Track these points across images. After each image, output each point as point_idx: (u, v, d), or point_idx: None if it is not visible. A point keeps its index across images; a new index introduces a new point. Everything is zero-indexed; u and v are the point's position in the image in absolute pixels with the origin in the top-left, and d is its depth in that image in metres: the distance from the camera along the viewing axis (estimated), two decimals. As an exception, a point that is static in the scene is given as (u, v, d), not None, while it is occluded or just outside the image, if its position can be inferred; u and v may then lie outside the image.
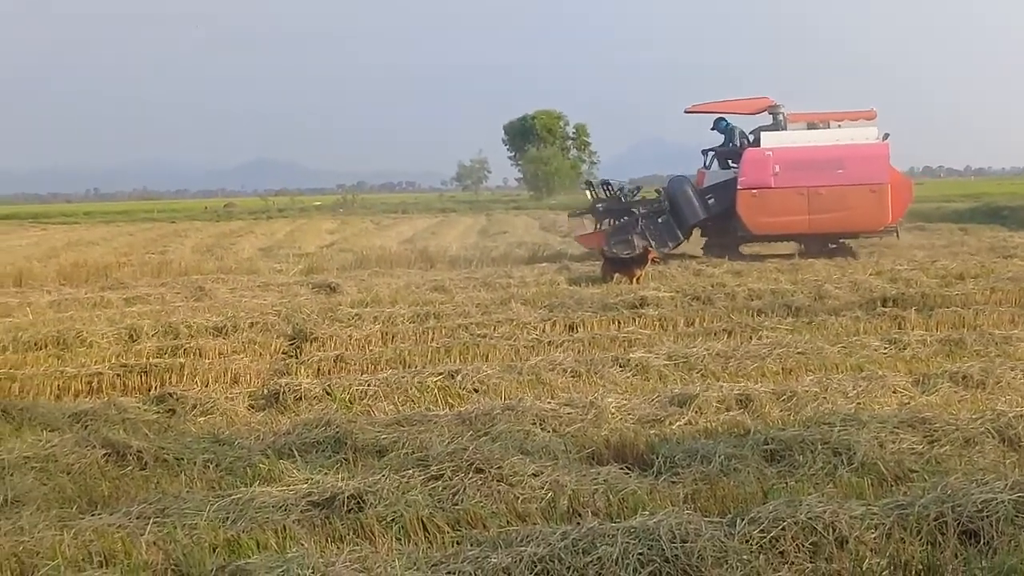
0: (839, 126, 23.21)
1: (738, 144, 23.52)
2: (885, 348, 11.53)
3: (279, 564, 5.20)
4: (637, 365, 10.88)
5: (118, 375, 11.10)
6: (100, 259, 25.11)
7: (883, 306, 14.20)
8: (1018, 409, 8.23)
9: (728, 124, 23.89)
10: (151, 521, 6.14)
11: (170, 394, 9.92)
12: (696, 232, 24.06)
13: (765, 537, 5.42)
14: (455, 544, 5.86)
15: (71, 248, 32.34)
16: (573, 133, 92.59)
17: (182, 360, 11.57)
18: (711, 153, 24.02)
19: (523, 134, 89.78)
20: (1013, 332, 12.16)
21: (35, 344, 12.64)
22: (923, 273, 17.87)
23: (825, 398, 9.12)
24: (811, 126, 23.38)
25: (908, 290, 15.38)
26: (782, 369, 10.82)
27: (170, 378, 11.03)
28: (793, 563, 5.31)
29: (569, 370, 10.71)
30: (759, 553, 5.33)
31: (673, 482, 6.88)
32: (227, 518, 6.21)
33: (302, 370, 11.29)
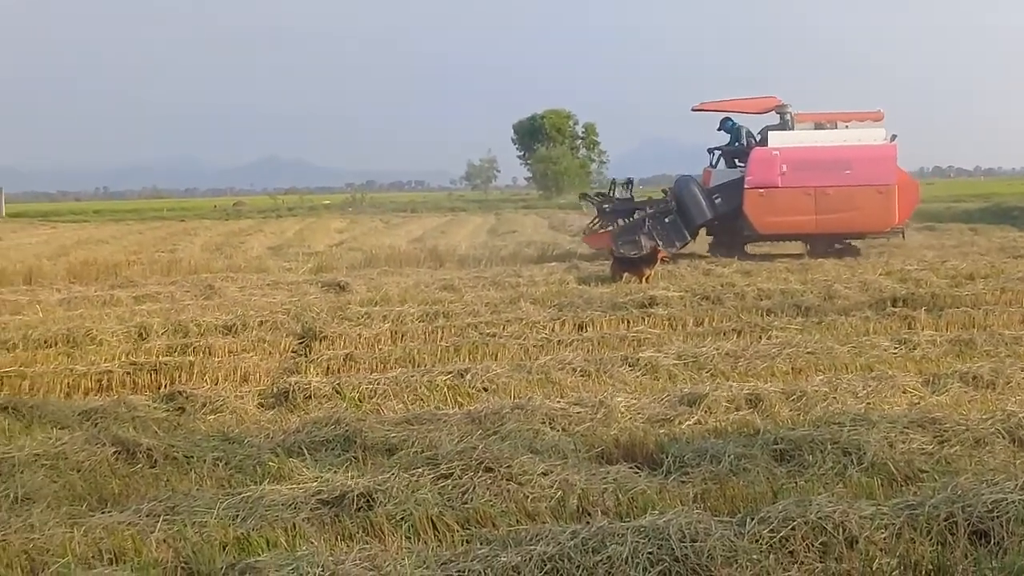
0: (846, 127, 23.18)
1: (745, 143, 23.51)
2: (895, 348, 11.52)
3: (289, 562, 5.20)
4: (646, 364, 10.87)
5: (128, 373, 11.11)
6: (110, 257, 25.14)
7: (893, 306, 14.17)
8: (1028, 409, 8.22)
9: (735, 123, 23.88)
10: (161, 519, 6.15)
11: (180, 392, 9.93)
12: (702, 231, 24.05)
13: (775, 537, 5.41)
14: (465, 543, 5.86)
15: (81, 246, 32.37)
16: (582, 132, 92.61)
17: (192, 358, 11.58)
18: (717, 152, 24.01)
19: (532, 133, 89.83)
20: (1023, 332, 12.13)
21: (45, 342, 12.65)
22: (933, 273, 17.83)
23: (835, 398, 9.11)
24: (818, 126, 23.36)
25: (918, 290, 15.34)
26: (792, 369, 10.80)
27: (180, 376, 11.04)
28: (803, 563, 5.30)
29: (578, 369, 10.71)
30: (769, 553, 5.32)
31: (683, 481, 6.87)
32: (237, 516, 6.22)
33: (311, 369, 11.29)
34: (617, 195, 24.25)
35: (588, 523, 5.71)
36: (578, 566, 5.17)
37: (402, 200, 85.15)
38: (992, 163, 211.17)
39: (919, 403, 9.01)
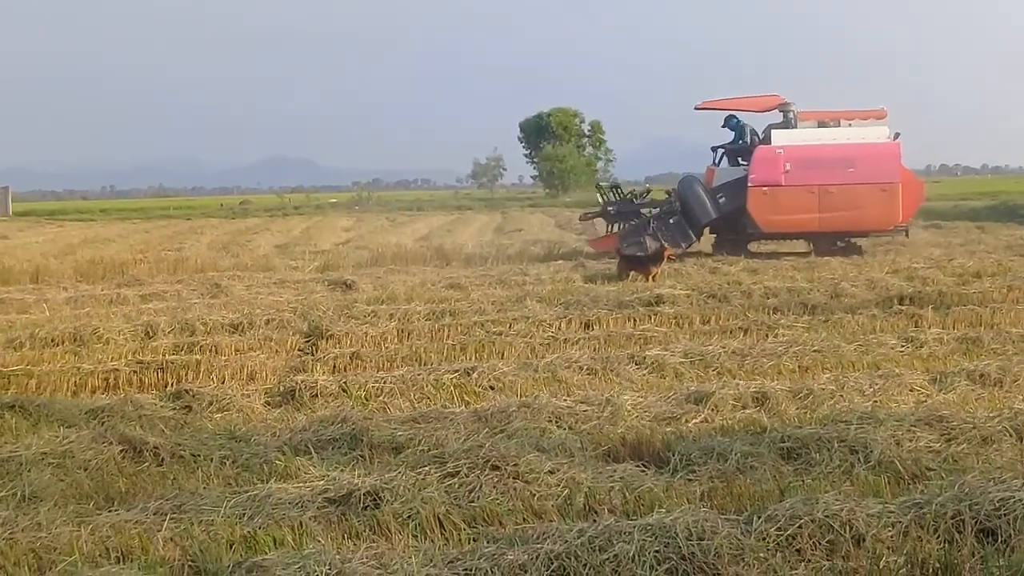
0: (849, 125, 23.16)
1: (748, 141, 23.49)
2: (902, 346, 11.51)
3: (296, 561, 5.21)
4: (653, 363, 10.87)
5: (134, 372, 11.13)
6: (116, 256, 25.16)
7: (900, 304, 14.16)
8: (1036, 407, 8.22)
9: (739, 121, 23.86)
10: (168, 517, 6.15)
11: (186, 391, 9.94)
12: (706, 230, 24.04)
13: (782, 535, 5.41)
14: (471, 541, 5.86)
15: (87, 245, 32.41)
16: (588, 130, 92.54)
17: (198, 357, 11.59)
18: (721, 150, 24.00)
19: (539, 132, 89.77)
20: (1030, 330, 12.12)
21: (52, 341, 12.66)
22: (940, 271, 17.83)
23: (842, 396, 9.11)
24: (821, 124, 23.35)
25: (925, 288, 15.34)
26: (798, 367, 10.80)
27: (186, 375, 11.05)
28: (810, 561, 5.30)
29: (585, 368, 10.70)
30: (776, 551, 5.32)
31: (689, 480, 6.86)
32: (244, 514, 6.22)
33: (318, 367, 11.29)
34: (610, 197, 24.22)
35: (595, 521, 5.71)
36: (585, 564, 5.17)
37: (408, 199, 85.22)
38: (999, 161, 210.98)
39: (926, 401, 9.00)
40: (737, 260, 20.98)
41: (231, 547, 5.83)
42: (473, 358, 11.57)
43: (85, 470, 7.41)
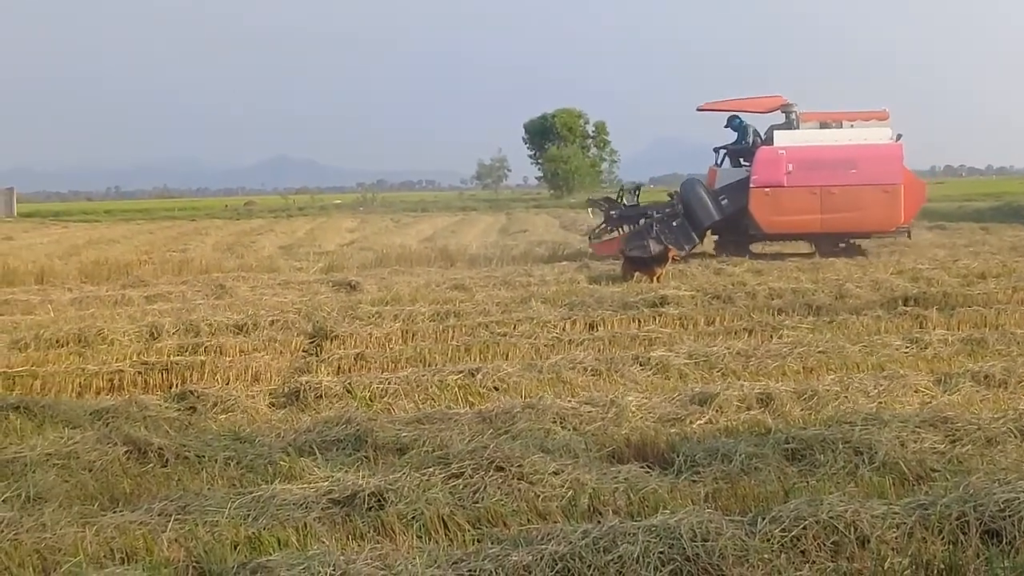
0: (851, 126, 23.16)
1: (751, 142, 23.48)
2: (906, 347, 11.49)
3: (300, 561, 5.21)
4: (657, 364, 10.86)
5: (139, 373, 11.13)
6: (121, 257, 25.19)
7: (904, 305, 14.15)
8: (1041, 409, 8.21)
9: (742, 122, 23.85)
10: (172, 518, 6.16)
11: (191, 392, 9.94)
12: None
13: (786, 536, 5.40)
14: (476, 542, 5.86)
15: (92, 246, 32.44)
16: (593, 131, 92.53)
17: (203, 358, 11.60)
18: (723, 151, 24.00)
19: (543, 132, 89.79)
20: (1035, 331, 12.10)
21: (57, 342, 12.68)
22: (945, 272, 17.81)
23: (846, 397, 9.10)
24: (823, 125, 23.34)
25: (929, 289, 15.32)
26: (803, 368, 10.79)
27: (191, 376, 11.05)
28: (814, 562, 5.30)
29: (589, 368, 10.70)
30: (780, 552, 5.32)
31: (694, 481, 6.86)
32: (248, 515, 6.22)
33: (322, 368, 11.30)
34: (625, 201, 24.24)
35: (599, 522, 5.71)
36: (589, 565, 5.17)
37: (413, 200, 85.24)
38: (1004, 162, 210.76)
39: (931, 402, 8.99)
40: (741, 261, 20.98)
41: (235, 548, 5.84)
42: (477, 359, 11.57)
43: (90, 471, 7.41)
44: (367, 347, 12.29)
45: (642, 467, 7.07)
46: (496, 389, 10.09)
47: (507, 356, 11.76)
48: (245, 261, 23.83)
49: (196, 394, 9.83)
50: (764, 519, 5.54)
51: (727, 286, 16.25)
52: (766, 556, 5.25)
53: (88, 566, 5.56)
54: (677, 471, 7.06)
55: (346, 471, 7.02)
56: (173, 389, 10.50)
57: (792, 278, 17.64)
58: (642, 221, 22.63)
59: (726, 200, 22.89)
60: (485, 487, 6.57)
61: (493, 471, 6.75)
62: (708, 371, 10.73)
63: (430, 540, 5.91)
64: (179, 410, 9.55)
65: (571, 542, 5.32)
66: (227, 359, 11.64)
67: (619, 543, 5.27)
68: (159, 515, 6.23)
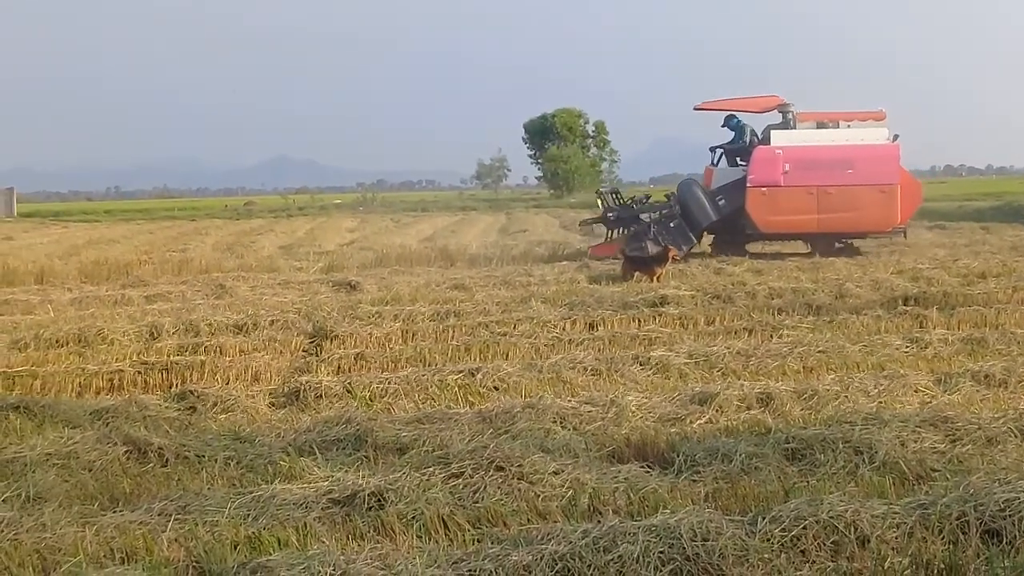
0: (848, 126, 23.18)
1: (748, 142, 23.49)
2: (907, 347, 11.49)
3: (300, 561, 5.21)
4: (657, 363, 10.86)
5: (139, 372, 11.13)
6: (121, 257, 25.19)
7: (904, 305, 14.15)
8: (1041, 408, 8.21)
9: (739, 121, 23.87)
10: (172, 518, 6.15)
11: (191, 391, 9.94)
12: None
13: (786, 536, 5.40)
14: (476, 542, 5.86)
15: (92, 246, 32.44)
16: (593, 131, 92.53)
17: (203, 358, 11.59)
18: (720, 151, 24.00)
19: (543, 132, 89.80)
20: (1035, 331, 12.10)
21: (57, 341, 12.68)
22: (945, 272, 17.81)
23: (846, 397, 9.10)
24: (820, 125, 23.37)
25: (930, 289, 15.32)
26: (803, 368, 10.79)
27: (191, 376, 11.05)
28: (814, 562, 5.29)
29: (589, 368, 10.70)
30: (780, 552, 5.31)
31: (694, 480, 6.86)
32: (248, 515, 6.22)
33: (322, 368, 11.30)
34: (635, 207, 24.18)
35: (599, 522, 5.70)
36: (589, 565, 5.16)
37: (413, 199, 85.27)
38: (1004, 161, 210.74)
39: (931, 402, 8.98)
40: (741, 261, 20.98)
41: (235, 548, 5.83)
42: (477, 359, 11.57)
43: (90, 471, 7.41)
44: (367, 347, 12.29)
45: (642, 467, 7.07)
46: (496, 389, 10.09)
47: (507, 356, 11.76)
48: (245, 261, 23.83)
49: (196, 394, 9.83)
50: (764, 519, 5.54)
51: (727, 286, 16.24)
52: (766, 556, 5.25)
53: (88, 566, 5.55)
54: (677, 471, 7.06)
55: (346, 471, 7.01)
56: (173, 389, 10.50)
57: (792, 278, 17.64)
58: (640, 223, 22.67)
59: (723, 200, 22.91)
60: (485, 487, 6.57)
61: (493, 471, 6.74)
62: (708, 371, 10.72)
63: (430, 540, 5.91)
64: (179, 410, 9.55)
65: (571, 542, 5.32)
66: (227, 359, 11.64)
67: (619, 543, 5.27)
68: (159, 515, 6.23)
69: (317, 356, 12.02)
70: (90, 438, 7.95)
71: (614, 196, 24.59)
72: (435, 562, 5.30)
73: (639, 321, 13.68)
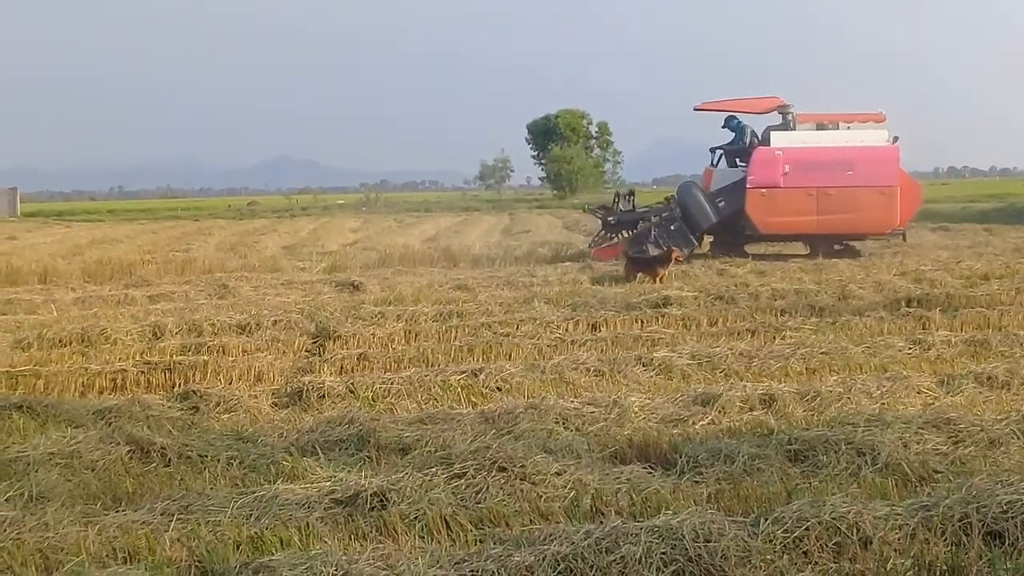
0: (848, 128, 23.17)
1: (748, 143, 23.47)
2: (909, 349, 11.49)
3: (303, 561, 5.21)
4: (660, 364, 10.86)
5: (142, 372, 11.13)
6: (124, 257, 25.19)
7: (907, 306, 14.14)
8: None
9: (739, 122, 23.85)
10: (175, 518, 6.16)
11: (194, 391, 9.94)
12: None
13: (789, 537, 5.40)
14: (478, 542, 5.86)
15: (95, 246, 32.45)
16: (596, 132, 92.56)
17: (206, 358, 11.59)
18: (719, 151, 23.99)
19: (546, 133, 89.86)
20: (1039, 333, 12.09)
21: (60, 341, 12.68)
22: (948, 273, 17.80)
23: (849, 398, 9.09)
24: (820, 127, 23.34)
25: (933, 290, 15.30)
26: (806, 369, 10.78)
27: (194, 375, 11.05)
28: (817, 563, 5.29)
29: (592, 369, 10.70)
30: (783, 553, 5.32)
31: (696, 481, 6.86)
32: (251, 515, 6.22)
33: (325, 368, 11.30)
34: (621, 207, 24.17)
35: (602, 523, 5.70)
36: (591, 566, 5.17)
37: (416, 200, 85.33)
38: (1007, 163, 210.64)
39: (934, 404, 8.98)
40: (744, 262, 20.96)
41: (238, 548, 5.84)
42: (480, 359, 11.57)
43: (92, 470, 7.42)
44: (370, 347, 12.30)
45: (645, 468, 7.07)
46: (499, 389, 10.10)
47: (510, 356, 11.76)
48: (248, 261, 23.84)
49: (199, 394, 9.84)
50: (767, 520, 5.54)
51: (730, 287, 16.24)
52: (768, 557, 5.25)
53: (90, 566, 5.56)
54: (680, 472, 7.06)
55: (349, 471, 7.01)
56: (176, 389, 10.51)
57: (795, 279, 17.62)
58: (640, 224, 22.67)
59: (723, 202, 22.90)
60: (488, 487, 6.57)
61: (496, 471, 6.74)
62: (711, 372, 10.73)
63: (432, 540, 5.92)
64: (182, 410, 9.56)
65: (573, 543, 5.32)
66: (230, 359, 11.64)
67: (621, 544, 5.27)
68: (161, 515, 6.24)
69: (320, 356, 12.02)
70: (93, 438, 7.95)
71: (628, 198, 24.56)
72: (437, 562, 5.30)
73: (642, 322, 13.67)
